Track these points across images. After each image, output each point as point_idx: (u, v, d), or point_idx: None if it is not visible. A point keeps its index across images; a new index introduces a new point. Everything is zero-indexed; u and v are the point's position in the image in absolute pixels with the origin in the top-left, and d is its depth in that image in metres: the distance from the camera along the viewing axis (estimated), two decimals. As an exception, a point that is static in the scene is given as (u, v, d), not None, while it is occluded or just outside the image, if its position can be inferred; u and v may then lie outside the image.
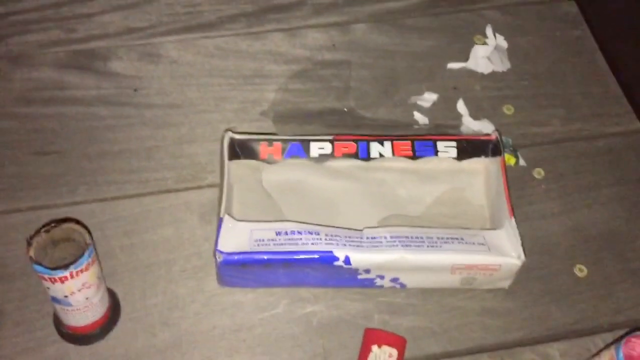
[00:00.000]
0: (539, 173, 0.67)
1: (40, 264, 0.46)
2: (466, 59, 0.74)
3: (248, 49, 0.75)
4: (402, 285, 0.58)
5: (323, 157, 0.60)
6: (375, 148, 0.61)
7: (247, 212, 0.59)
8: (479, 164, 0.61)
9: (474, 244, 0.56)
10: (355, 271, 0.56)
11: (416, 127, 0.69)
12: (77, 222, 0.50)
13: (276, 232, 0.56)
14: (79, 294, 0.49)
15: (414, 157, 0.60)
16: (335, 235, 0.55)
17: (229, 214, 0.56)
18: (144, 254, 0.60)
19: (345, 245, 0.55)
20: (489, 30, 0.76)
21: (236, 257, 0.54)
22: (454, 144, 0.61)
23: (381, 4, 0.80)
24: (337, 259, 0.54)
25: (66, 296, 0.48)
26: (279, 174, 0.60)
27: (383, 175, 0.62)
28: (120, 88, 0.70)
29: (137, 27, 0.75)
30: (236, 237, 0.55)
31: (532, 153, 0.68)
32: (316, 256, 0.54)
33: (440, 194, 0.62)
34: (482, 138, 0.62)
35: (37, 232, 0.48)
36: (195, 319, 0.57)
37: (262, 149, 0.60)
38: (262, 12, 0.78)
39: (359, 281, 0.57)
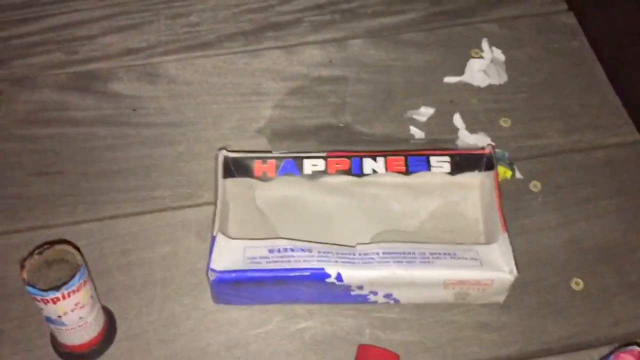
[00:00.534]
0: (535, 186, 0.66)
1: (33, 286, 0.47)
2: (462, 73, 0.74)
3: (245, 67, 0.75)
4: (396, 301, 0.58)
5: (317, 174, 0.61)
6: (368, 164, 0.61)
7: (242, 230, 0.59)
8: (473, 178, 0.61)
9: (466, 259, 0.55)
10: (348, 287, 0.56)
11: (412, 141, 0.69)
12: (69, 243, 0.51)
13: (269, 250, 0.56)
14: (72, 314, 0.50)
15: (407, 172, 0.61)
16: (327, 252, 0.56)
17: (222, 232, 0.56)
18: (140, 272, 0.60)
19: (337, 262, 0.55)
20: (484, 44, 0.76)
21: (229, 275, 0.54)
22: (447, 158, 0.61)
23: (378, 19, 0.80)
24: (329, 275, 0.54)
25: (59, 316, 0.49)
26: (273, 191, 0.61)
27: (377, 190, 0.62)
28: (119, 108, 0.72)
29: (136, 47, 0.77)
30: (229, 255, 0.55)
31: (529, 166, 0.68)
32: (308, 273, 0.54)
33: (435, 209, 0.62)
34: (476, 152, 0.62)
35: (30, 254, 0.49)
36: (191, 336, 0.57)
37: (256, 166, 0.61)
38: (260, 30, 0.79)
39: (353, 297, 0.57)
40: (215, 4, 0.81)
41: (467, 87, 0.74)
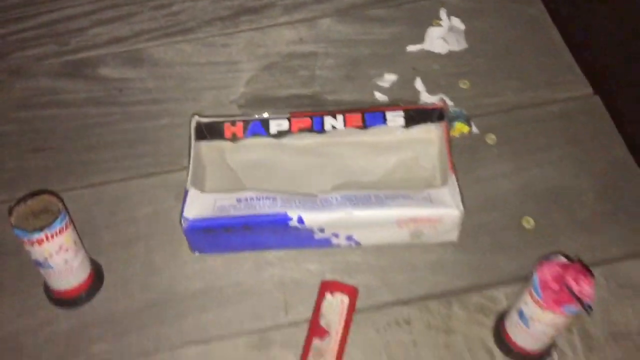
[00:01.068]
0: (491, 139, 0.71)
1: (19, 228, 0.53)
2: (424, 42, 0.79)
3: (223, 49, 0.81)
4: (357, 243, 0.63)
5: (281, 133, 0.66)
6: (328, 121, 0.66)
7: (214, 187, 0.65)
8: (428, 131, 0.66)
9: (418, 199, 0.60)
10: (311, 231, 0.61)
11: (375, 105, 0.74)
12: (52, 193, 0.57)
13: (237, 200, 0.61)
14: (57, 256, 0.55)
15: (364, 127, 0.66)
16: (290, 199, 0.61)
17: (195, 187, 0.62)
18: (125, 230, 0.66)
19: (298, 206, 0.60)
20: (443, 13, 0.81)
21: (200, 222, 0.60)
22: (401, 113, 0.66)
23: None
24: (290, 218, 0.59)
25: (46, 258, 0.55)
26: (242, 150, 0.66)
27: (340, 149, 0.67)
28: (107, 90, 0.78)
29: (122, 36, 0.83)
30: (200, 206, 0.61)
31: (486, 121, 0.72)
32: (272, 217, 0.59)
33: (394, 162, 0.67)
34: (428, 107, 0.67)
35: (17, 203, 0.55)
36: (170, 283, 0.62)
37: (226, 129, 0.66)
38: (236, 15, 0.85)
39: (317, 241, 0.62)
40: (195, -6, 0.88)
41: (428, 54, 0.79)
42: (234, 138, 0.66)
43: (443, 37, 0.78)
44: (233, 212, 0.60)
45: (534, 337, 0.52)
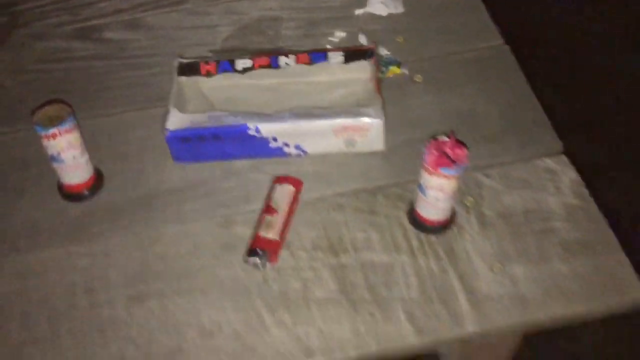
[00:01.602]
0: (418, 78, 0.88)
1: (39, 125, 0.70)
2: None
3: (206, 16, 0.99)
4: (305, 152, 0.79)
5: (246, 69, 0.83)
6: (283, 60, 0.83)
7: (192, 110, 0.81)
8: (361, 66, 0.82)
9: (350, 113, 0.77)
10: (266, 140, 0.77)
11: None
12: (64, 102, 0.74)
13: (208, 117, 0.78)
14: (67, 152, 0.72)
15: (310, 63, 0.82)
16: (251, 115, 0.77)
17: (175, 108, 0.79)
18: (122, 148, 0.83)
19: (256, 120, 0.77)
20: (384, -17, 0.98)
21: (179, 132, 0.77)
22: (341, 52, 0.83)
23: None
24: (249, 128, 0.76)
25: (59, 152, 0.72)
26: (214, 83, 0.83)
27: (296, 87, 0.84)
28: (110, 49, 0.96)
29: (123, 8, 1.01)
30: (179, 121, 0.78)
31: (415, 65, 0.89)
32: (235, 127, 0.76)
33: (340, 94, 0.83)
34: (362, 48, 0.84)
35: (38, 107, 0.72)
36: (157, 184, 0.79)
37: (202, 67, 0.83)
38: (219, -11, 1.03)
39: (272, 150, 0.79)
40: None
41: (372, 16, 0.96)
42: (208, 74, 0.83)
43: (383, 1, 0.95)
44: (205, 125, 0.77)
45: (430, 204, 0.68)
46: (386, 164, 0.79)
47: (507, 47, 0.90)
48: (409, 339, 0.65)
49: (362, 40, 0.93)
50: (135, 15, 1.00)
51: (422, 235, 0.72)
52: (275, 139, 0.78)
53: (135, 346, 0.66)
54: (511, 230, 0.72)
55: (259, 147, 0.79)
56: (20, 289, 0.71)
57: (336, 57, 0.83)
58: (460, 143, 0.65)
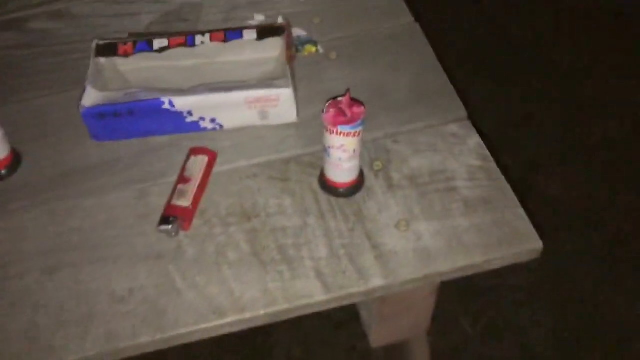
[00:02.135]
0: (333, 55, 0.91)
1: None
2: (288, -9, 1.00)
3: (130, 3, 1.01)
4: (221, 126, 0.81)
5: (162, 49, 0.85)
6: (198, 38, 0.85)
7: (109, 89, 0.83)
8: (274, 42, 0.85)
9: (262, 85, 0.79)
10: (181, 114, 0.79)
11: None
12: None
13: (124, 94, 0.80)
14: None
15: (225, 40, 0.85)
16: (165, 90, 0.79)
17: (91, 86, 0.80)
18: (42, 128, 0.84)
19: (170, 94, 0.78)
20: (302, -32, 1.02)
21: (94, 109, 0.78)
22: (254, 30, 0.86)
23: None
24: (163, 102, 0.78)
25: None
26: (132, 62, 0.85)
27: (213, 67, 0.86)
28: (33, 38, 0.97)
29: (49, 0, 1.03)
30: (95, 98, 0.79)
31: (331, 44, 0.92)
32: (149, 102, 0.78)
33: (256, 72, 0.86)
34: (275, 25, 0.87)
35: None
36: (75, 162, 0.80)
37: (120, 47, 0.85)
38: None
39: (188, 125, 0.81)
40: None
41: (291, 0, 0.99)
42: (126, 54, 0.85)
43: (301, -15, 0.99)
44: (120, 101, 0.79)
45: (335, 165, 0.71)
46: (299, 135, 0.82)
47: (417, 25, 0.94)
48: (317, 295, 0.68)
49: (281, 22, 0.96)
50: (60, 6, 1.02)
51: (332, 199, 0.75)
52: (190, 113, 0.80)
53: (46, 315, 0.67)
54: (417, 191, 0.75)
55: (175, 123, 0.80)
56: None
57: (250, 34, 0.85)
58: (357, 101, 0.68)
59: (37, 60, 0.93)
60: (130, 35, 0.95)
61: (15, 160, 0.79)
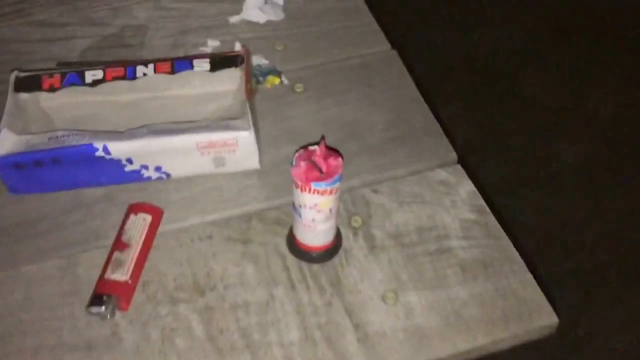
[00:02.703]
0: (299, 87, 0.78)
1: None
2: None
3: (62, 25, 0.87)
4: (168, 175, 0.68)
5: (96, 82, 0.71)
6: (140, 70, 0.72)
7: (30, 131, 0.68)
8: (233, 76, 0.72)
9: (215, 126, 0.66)
10: (119, 162, 0.65)
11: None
12: None
13: (48, 138, 0.65)
14: None
15: (172, 72, 0.72)
16: (98, 134, 0.65)
17: (8, 129, 0.66)
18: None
19: (105, 138, 0.65)
20: (260, -12, 0.90)
21: (10, 157, 0.63)
22: (207, 59, 0.73)
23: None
24: (96, 149, 0.64)
25: None
26: (58, 99, 0.71)
27: (156, 103, 0.73)
28: None
29: None
30: (12, 145, 0.65)
31: (296, 74, 0.80)
32: (78, 148, 0.64)
33: (209, 109, 0.73)
34: (231, 53, 0.74)
35: None
36: (-14, 222, 0.66)
37: (44, 81, 0.71)
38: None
39: (128, 175, 0.67)
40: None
41: (248, 24, 0.87)
42: (52, 89, 0.71)
43: (260, 7, 0.86)
44: (43, 147, 0.64)
45: (307, 227, 0.58)
46: (262, 185, 0.69)
47: (394, 52, 0.83)
48: (289, 390, 0.55)
49: (237, 48, 0.83)
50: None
51: (304, 265, 0.62)
52: (130, 161, 0.66)
53: None
54: (404, 253, 0.63)
55: (112, 172, 0.67)
56: None
57: (202, 65, 0.72)
58: (333, 150, 0.55)
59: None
60: (59, 64, 0.80)
61: None
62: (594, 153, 1.54)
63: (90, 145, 0.64)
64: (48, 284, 0.60)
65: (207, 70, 0.72)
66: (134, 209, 0.64)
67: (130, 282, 0.58)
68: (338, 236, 0.63)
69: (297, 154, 0.55)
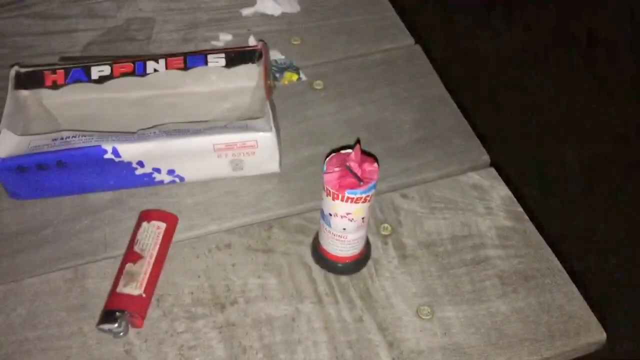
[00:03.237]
0: (318, 84, 0.74)
1: None
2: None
3: (63, 18, 0.82)
4: (181, 179, 0.63)
5: (103, 78, 0.66)
6: (150, 65, 0.67)
7: (33, 131, 0.63)
8: (248, 70, 0.67)
9: (234, 127, 0.61)
10: (130, 165, 0.61)
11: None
12: None
13: (52, 139, 0.60)
14: None
15: (185, 68, 0.67)
16: (107, 135, 0.60)
17: (8, 129, 0.61)
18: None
19: (114, 140, 0.60)
20: (275, -22, 0.85)
21: (12, 160, 0.58)
22: (222, 55, 0.68)
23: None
24: (105, 151, 0.59)
25: None
26: (62, 97, 0.66)
27: (168, 101, 0.68)
28: None
29: None
30: (14, 147, 0.60)
31: (314, 71, 0.75)
32: (85, 151, 0.59)
33: (225, 107, 0.68)
34: (248, 48, 0.69)
35: None
36: None
37: (47, 77, 0.66)
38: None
39: (139, 178, 0.62)
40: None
41: (262, 16, 0.82)
42: (55, 86, 0.66)
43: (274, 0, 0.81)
44: (47, 149, 0.59)
45: (337, 236, 0.54)
46: (283, 190, 0.64)
47: (418, 47, 0.78)
48: (319, 415, 0.50)
49: (252, 43, 0.78)
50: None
51: (331, 276, 0.58)
52: (141, 164, 0.61)
53: None
54: (438, 263, 0.59)
55: (122, 176, 0.62)
56: None
57: (217, 60, 0.67)
58: (369, 155, 0.51)
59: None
60: (63, 59, 0.75)
61: None
62: (599, 157, 1.51)
63: (99, 147, 0.59)
64: (54, 298, 0.55)
65: (222, 66, 0.67)
66: (146, 216, 0.59)
67: (144, 296, 0.54)
68: (367, 245, 0.58)
69: (328, 159, 0.50)
